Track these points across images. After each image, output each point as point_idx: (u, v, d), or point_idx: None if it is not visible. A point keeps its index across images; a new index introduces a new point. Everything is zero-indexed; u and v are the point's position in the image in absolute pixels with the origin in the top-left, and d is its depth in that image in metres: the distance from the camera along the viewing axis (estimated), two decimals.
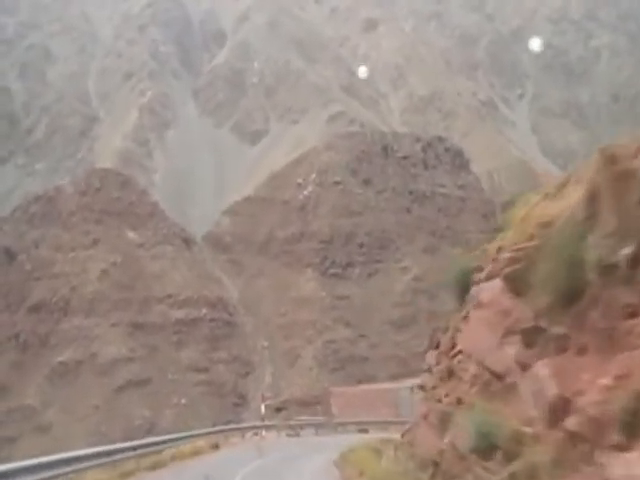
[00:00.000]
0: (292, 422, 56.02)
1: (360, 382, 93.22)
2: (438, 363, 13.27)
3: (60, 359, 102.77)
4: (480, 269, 11.77)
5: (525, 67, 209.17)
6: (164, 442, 29.84)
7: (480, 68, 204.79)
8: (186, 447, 31.59)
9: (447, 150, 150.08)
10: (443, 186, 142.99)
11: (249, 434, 48.47)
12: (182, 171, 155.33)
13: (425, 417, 12.76)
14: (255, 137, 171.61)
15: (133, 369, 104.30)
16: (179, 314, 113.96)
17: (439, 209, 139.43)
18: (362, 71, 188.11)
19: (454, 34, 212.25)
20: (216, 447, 35.86)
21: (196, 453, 31.38)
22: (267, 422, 52.98)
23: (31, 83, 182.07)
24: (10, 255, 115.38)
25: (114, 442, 30.85)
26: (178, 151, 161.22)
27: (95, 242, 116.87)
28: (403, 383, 70.76)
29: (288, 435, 50.10)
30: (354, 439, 37.06)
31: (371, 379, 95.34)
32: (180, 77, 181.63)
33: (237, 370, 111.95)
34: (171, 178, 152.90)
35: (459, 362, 11.33)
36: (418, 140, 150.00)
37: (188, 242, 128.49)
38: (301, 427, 52.82)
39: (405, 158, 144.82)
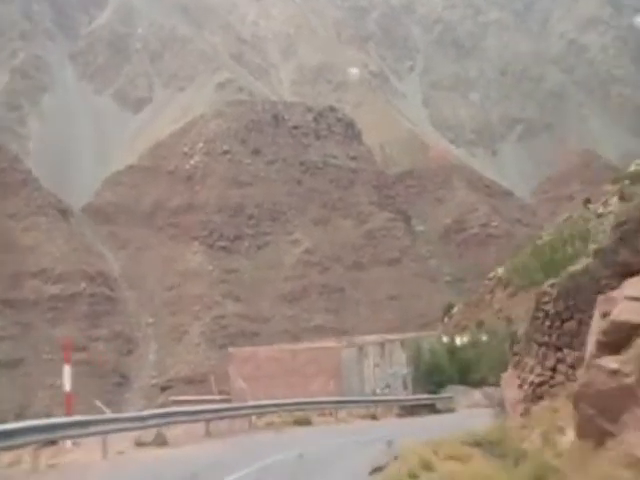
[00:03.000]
0: (145, 413, 24.34)
1: None
2: None
3: None
4: None
5: (415, 40, 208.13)
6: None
7: (371, 40, 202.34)
8: None
9: (339, 120, 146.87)
10: (335, 157, 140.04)
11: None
12: (59, 139, 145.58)
13: None
14: (138, 104, 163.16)
15: (3, 348, 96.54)
16: (54, 289, 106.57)
17: (330, 180, 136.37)
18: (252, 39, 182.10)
19: (344, 5, 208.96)
20: None
21: None
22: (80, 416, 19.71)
23: None
24: None
25: None
26: (55, 117, 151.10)
27: None
28: (344, 340, 51.05)
29: (139, 444, 21.30)
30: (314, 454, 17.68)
31: None
32: (55, 39, 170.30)
33: (119, 348, 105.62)
34: (47, 146, 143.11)
35: None
36: (309, 110, 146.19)
37: (65, 213, 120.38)
38: (163, 419, 22.58)
39: (296, 128, 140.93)
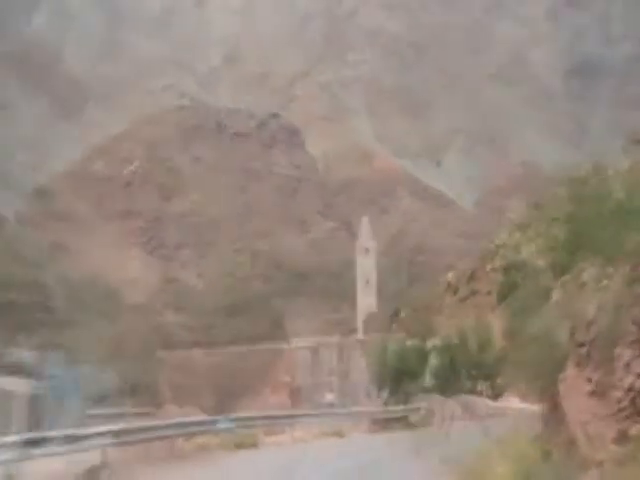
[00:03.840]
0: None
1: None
2: None
3: None
4: None
5: (360, 50, 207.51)
6: None
7: (316, 48, 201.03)
8: None
9: (283, 128, 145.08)
10: (278, 165, 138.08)
11: None
12: None
13: None
14: (75, 109, 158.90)
15: None
16: None
17: (274, 188, 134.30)
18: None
19: (289, 12, 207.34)
20: None
21: None
22: None
23: None
24: None
25: None
26: None
27: None
28: (301, 341, 43.59)
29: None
30: None
31: None
32: None
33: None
34: None
35: None
36: (252, 117, 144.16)
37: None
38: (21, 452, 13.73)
39: (239, 135, 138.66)
